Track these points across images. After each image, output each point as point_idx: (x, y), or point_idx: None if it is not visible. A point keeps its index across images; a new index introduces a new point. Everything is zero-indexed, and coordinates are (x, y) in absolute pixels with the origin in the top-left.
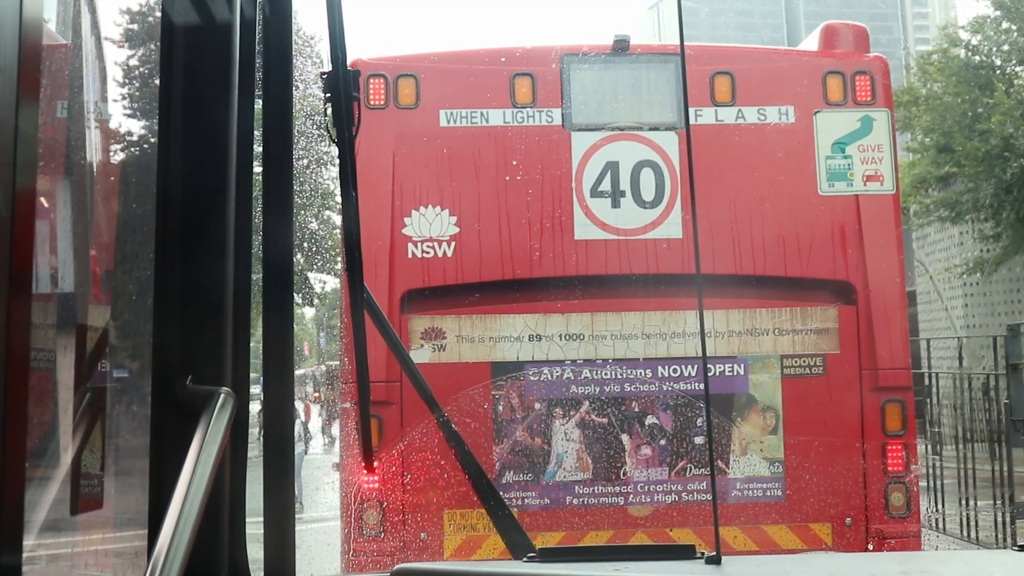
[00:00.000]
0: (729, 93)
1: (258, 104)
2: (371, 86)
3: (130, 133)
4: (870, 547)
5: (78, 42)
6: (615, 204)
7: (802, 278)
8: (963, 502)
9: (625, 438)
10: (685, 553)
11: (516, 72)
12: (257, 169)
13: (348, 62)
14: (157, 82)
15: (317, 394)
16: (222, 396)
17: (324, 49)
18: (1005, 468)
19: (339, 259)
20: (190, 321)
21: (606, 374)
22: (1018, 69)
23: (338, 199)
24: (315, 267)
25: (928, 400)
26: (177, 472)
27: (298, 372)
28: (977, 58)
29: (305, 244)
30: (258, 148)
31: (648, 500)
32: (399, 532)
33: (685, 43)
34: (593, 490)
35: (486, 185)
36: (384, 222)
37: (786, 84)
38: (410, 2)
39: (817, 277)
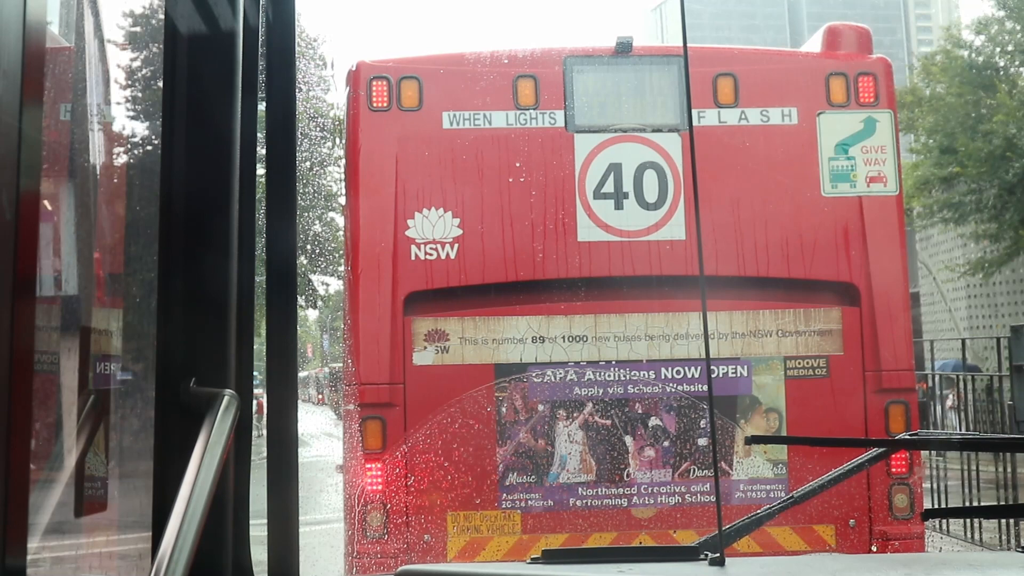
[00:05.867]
0: (732, 95)
1: (261, 106)
2: (374, 88)
3: (134, 136)
4: (873, 549)
5: (81, 45)
6: (618, 206)
7: (805, 280)
8: (967, 504)
9: (628, 440)
10: (689, 554)
11: (519, 74)
12: (260, 171)
13: (352, 64)
14: (161, 85)
15: (320, 396)
16: (226, 398)
17: (327, 51)
18: (1009, 470)
19: (342, 261)
20: (194, 323)
21: (609, 376)
22: (1021, 70)
23: (341, 201)
24: (318, 269)
25: (932, 402)
26: (181, 474)
27: (301, 374)
28: (980, 59)
29: (308, 246)
30: (261, 150)
31: (651, 502)
32: (402, 534)
33: (688, 45)
34: (596, 492)
35: (489, 187)
36: (387, 224)
37: (789, 86)
38: (413, 5)
39: (820, 279)
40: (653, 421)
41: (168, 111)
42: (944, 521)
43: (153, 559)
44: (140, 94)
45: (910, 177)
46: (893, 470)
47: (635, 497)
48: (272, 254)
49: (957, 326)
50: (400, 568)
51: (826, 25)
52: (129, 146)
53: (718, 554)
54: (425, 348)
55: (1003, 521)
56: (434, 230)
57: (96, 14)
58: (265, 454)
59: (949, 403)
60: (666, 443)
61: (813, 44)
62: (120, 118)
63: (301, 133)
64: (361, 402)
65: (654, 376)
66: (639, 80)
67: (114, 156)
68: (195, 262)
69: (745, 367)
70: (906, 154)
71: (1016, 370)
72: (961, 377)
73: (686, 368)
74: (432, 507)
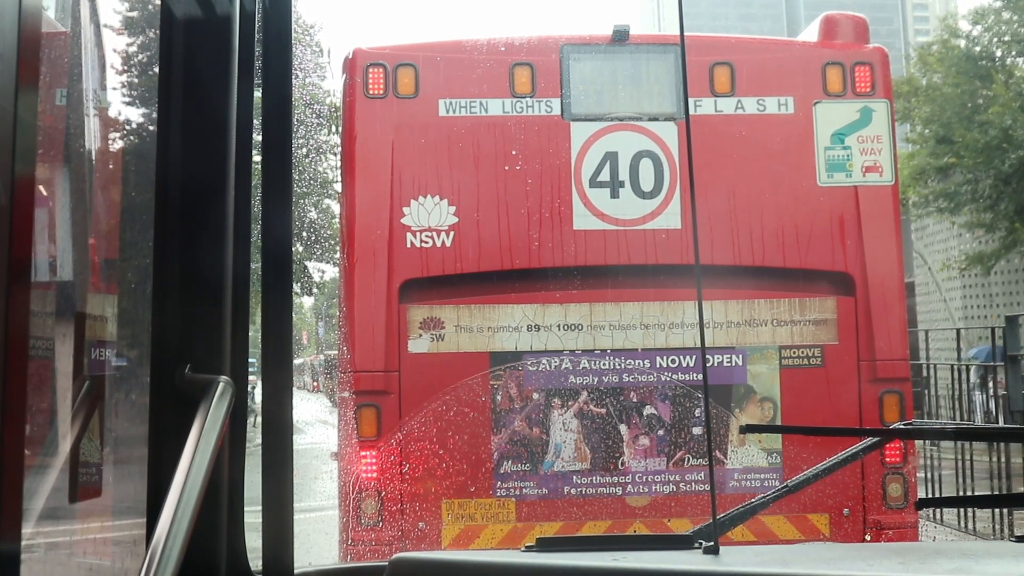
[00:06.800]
0: (728, 84)
1: (257, 93)
2: (370, 76)
3: (129, 121)
4: (867, 538)
5: (77, 30)
6: (614, 194)
7: (801, 269)
8: (961, 493)
9: (623, 428)
10: (683, 543)
11: (515, 62)
12: (256, 158)
13: (349, 52)
14: (156, 70)
15: (315, 383)
16: (221, 385)
17: (324, 38)
18: (1003, 459)
19: (338, 248)
20: (189, 310)
21: (604, 364)
22: (1018, 60)
23: (337, 188)
24: (314, 256)
25: (926, 391)
26: (175, 461)
27: (296, 361)
28: (977, 49)
29: (304, 233)
30: (257, 137)
31: (646, 490)
32: (397, 521)
33: (685, 33)
34: (591, 480)
35: (485, 175)
36: (383, 212)
37: (785, 75)
38: None
39: (816, 268)
40: (648, 410)
41: (164, 97)
42: (938, 511)
43: (148, 545)
44: (136, 79)
45: (906, 167)
46: (887, 459)
47: (630, 486)
48: (268, 241)
49: (952, 316)
50: (394, 556)
51: (823, 14)
52: (125, 132)
53: (712, 542)
54: (420, 336)
55: (996, 511)
56: (430, 218)
57: None
58: (260, 441)
59: (991, 391)
60: (661, 432)
61: (810, 33)
62: (116, 103)
63: (297, 120)
64: (356, 389)
65: (649, 365)
66: (636, 68)
67: (110, 142)
68: (190, 248)
69: (740, 356)
70: (902, 144)
71: (1010, 360)
72: (956, 367)
73: (681, 357)
74: (427, 495)
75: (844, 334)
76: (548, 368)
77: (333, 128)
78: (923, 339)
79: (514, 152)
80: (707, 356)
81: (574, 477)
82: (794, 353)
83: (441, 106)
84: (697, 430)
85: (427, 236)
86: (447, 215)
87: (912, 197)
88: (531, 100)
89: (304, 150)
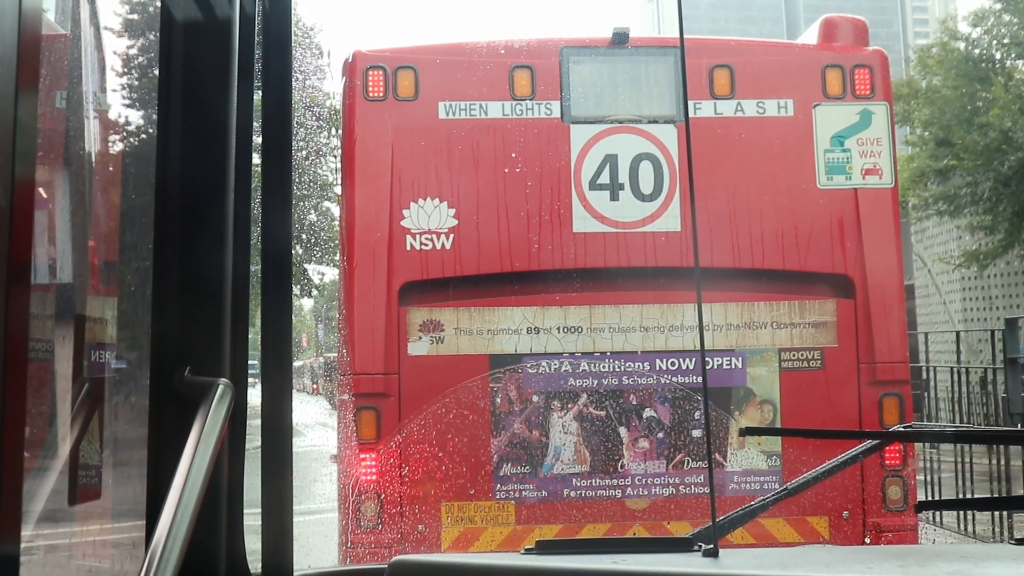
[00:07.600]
0: (728, 86)
1: (257, 95)
2: (370, 78)
3: (129, 124)
4: (867, 540)
5: (77, 32)
6: (614, 197)
7: (800, 271)
8: (960, 496)
9: (623, 431)
10: (682, 545)
11: (515, 64)
12: (256, 160)
13: (349, 54)
14: (156, 72)
15: (315, 385)
16: (220, 387)
17: (324, 40)
18: (1002, 462)
19: (338, 250)
20: (189, 312)
21: (604, 367)
22: (1018, 63)
23: (337, 190)
24: (314, 258)
25: (926, 394)
26: (175, 463)
27: (296, 364)
28: (977, 51)
29: (304, 235)
30: (257, 139)
31: (645, 493)
32: (397, 524)
33: (684, 36)
34: (591, 483)
35: (485, 178)
36: (383, 214)
37: (785, 77)
38: None
39: (815, 271)
40: (647, 412)
41: (164, 99)
42: (938, 513)
43: (147, 548)
44: (136, 82)
45: (906, 169)
46: (887, 462)
47: (629, 488)
48: (267, 243)
49: (952, 319)
50: (394, 558)
51: (822, 17)
52: (125, 134)
53: (712, 545)
54: (420, 338)
55: (996, 513)
56: (429, 220)
57: (92, 1)
58: (259, 443)
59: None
60: (660, 434)
61: (809, 36)
62: (116, 106)
63: (297, 122)
64: (356, 392)
65: (649, 367)
66: (635, 71)
67: (110, 144)
68: (190, 251)
69: (740, 359)
70: (902, 146)
71: (1010, 363)
72: (956, 369)
73: (681, 359)
74: (426, 497)
75: (844, 337)
76: (548, 370)
77: (333, 131)
78: (923, 342)
79: (514, 155)
80: (707, 359)
81: (573, 480)
82: (794, 356)
83: (441, 109)
84: (697, 432)
85: (427, 238)
86: (447, 218)
87: (912, 200)
88: (531, 103)
89: (304, 152)
